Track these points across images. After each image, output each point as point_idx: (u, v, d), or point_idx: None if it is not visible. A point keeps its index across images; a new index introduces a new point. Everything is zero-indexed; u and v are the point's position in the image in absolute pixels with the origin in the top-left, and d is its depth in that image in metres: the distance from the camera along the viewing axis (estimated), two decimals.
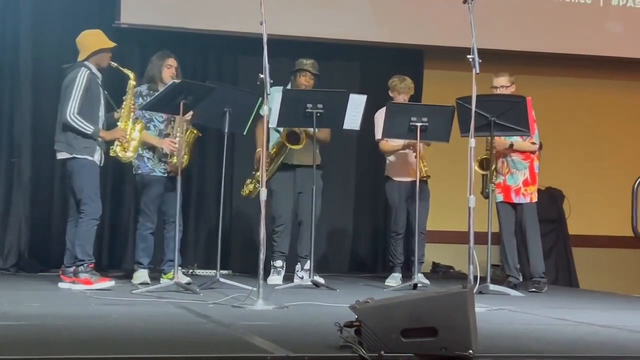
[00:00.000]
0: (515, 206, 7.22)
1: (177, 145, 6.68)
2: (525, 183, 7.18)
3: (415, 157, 7.22)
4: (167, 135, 6.84)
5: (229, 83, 8.28)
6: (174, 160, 6.70)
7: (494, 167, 7.12)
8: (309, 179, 7.19)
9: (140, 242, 6.92)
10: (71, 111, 6.40)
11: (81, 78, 6.43)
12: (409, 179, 7.46)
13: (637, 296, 7.56)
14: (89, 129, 6.41)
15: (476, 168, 6.98)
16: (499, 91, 7.11)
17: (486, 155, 7.09)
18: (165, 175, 6.83)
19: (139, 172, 6.91)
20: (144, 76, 7.00)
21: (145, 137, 6.81)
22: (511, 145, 7.12)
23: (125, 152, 6.55)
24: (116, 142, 6.52)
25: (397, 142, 7.46)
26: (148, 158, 6.85)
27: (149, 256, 6.94)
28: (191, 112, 6.65)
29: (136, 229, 7.05)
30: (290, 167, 7.36)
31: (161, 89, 6.63)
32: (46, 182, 8.28)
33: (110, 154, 6.57)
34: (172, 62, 6.91)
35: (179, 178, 6.39)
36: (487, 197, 7.11)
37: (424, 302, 3.65)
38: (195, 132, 6.92)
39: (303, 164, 7.33)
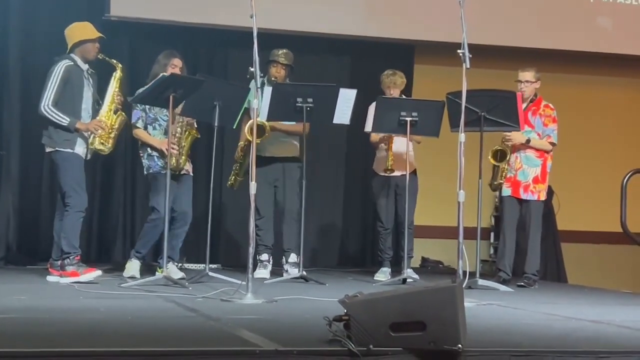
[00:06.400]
0: (521, 202, 7.22)
1: (176, 147, 6.66)
2: (535, 180, 7.18)
3: (387, 150, 7.26)
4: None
5: (219, 76, 8.26)
6: (172, 161, 6.69)
7: (506, 160, 7.09)
8: (288, 172, 7.26)
9: (147, 234, 6.85)
10: (45, 103, 6.37)
11: (58, 70, 6.39)
12: (393, 174, 7.45)
13: (626, 292, 7.59)
14: (64, 120, 6.36)
15: (490, 159, 7.00)
16: (523, 85, 7.12)
17: (501, 147, 7.08)
18: (176, 173, 6.80)
19: (150, 171, 6.86)
20: (149, 74, 6.95)
21: (147, 138, 6.80)
22: (528, 141, 7.12)
23: (103, 144, 6.46)
24: (92, 135, 6.44)
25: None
26: (157, 157, 6.82)
27: (147, 249, 6.93)
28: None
29: (146, 221, 6.95)
30: (266, 160, 7.33)
31: None
32: (34, 176, 8.25)
33: (89, 147, 6.49)
34: (177, 62, 6.87)
35: (168, 173, 6.36)
36: (494, 189, 7.08)
37: (413, 296, 3.65)
38: (194, 132, 6.87)
39: (278, 156, 7.34)
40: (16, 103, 8.19)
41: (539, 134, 7.17)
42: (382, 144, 7.46)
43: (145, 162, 6.89)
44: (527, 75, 7.19)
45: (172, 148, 6.62)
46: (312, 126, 7.33)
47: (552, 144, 7.22)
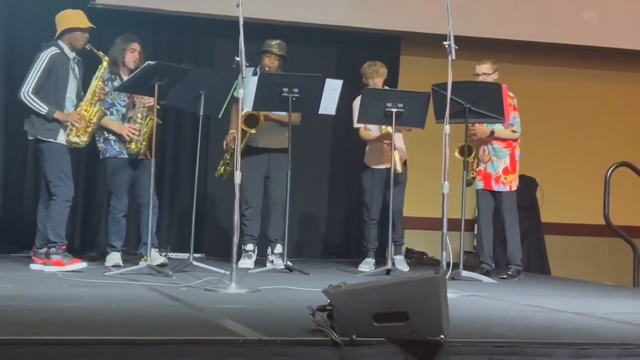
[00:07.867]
0: (494, 194, 7.22)
1: (136, 132, 6.66)
2: (506, 171, 7.18)
3: (389, 147, 7.25)
4: (130, 118, 6.82)
5: (205, 66, 8.23)
6: (132, 146, 6.71)
7: (473, 155, 7.10)
8: (277, 163, 7.24)
9: (112, 225, 6.91)
10: (25, 90, 6.31)
11: (44, 57, 6.34)
12: (384, 167, 7.46)
13: (608, 284, 7.63)
14: (42, 109, 6.30)
15: (456, 154, 6.98)
16: (480, 78, 7.07)
17: (469, 143, 7.08)
18: (134, 157, 6.81)
19: (107, 155, 6.90)
20: None
21: (106, 123, 6.78)
22: (492, 133, 7.11)
23: (78, 137, 6.36)
24: (69, 127, 6.36)
25: (375, 133, 7.46)
26: (115, 141, 6.82)
27: (121, 239, 6.94)
28: (150, 99, 6.59)
29: (108, 212, 7.03)
30: (257, 151, 7.33)
31: (123, 72, 6.67)
32: (18, 163, 8.22)
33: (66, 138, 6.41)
34: (135, 46, 6.87)
35: (153, 161, 6.36)
36: (469, 184, 7.07)
37: (396, 287, 3.66)
38: (155, 119, 6.85)
39: (269, 147, 7.33)
40: (0, 90, 8.14)
41: (503, 124, 7.15)
42: (385, 142, 7.40)
43: (101, 146, 6.89)
44: (484, 67, 7.15)
45: (133, 133, 6.63)
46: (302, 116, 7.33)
47: (515, 132, 7.18)
